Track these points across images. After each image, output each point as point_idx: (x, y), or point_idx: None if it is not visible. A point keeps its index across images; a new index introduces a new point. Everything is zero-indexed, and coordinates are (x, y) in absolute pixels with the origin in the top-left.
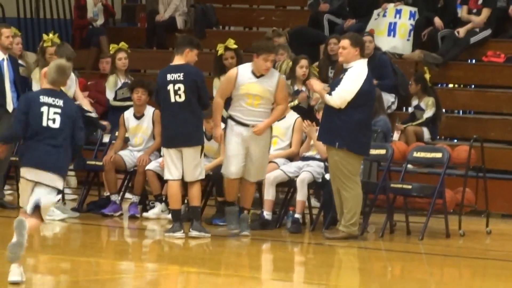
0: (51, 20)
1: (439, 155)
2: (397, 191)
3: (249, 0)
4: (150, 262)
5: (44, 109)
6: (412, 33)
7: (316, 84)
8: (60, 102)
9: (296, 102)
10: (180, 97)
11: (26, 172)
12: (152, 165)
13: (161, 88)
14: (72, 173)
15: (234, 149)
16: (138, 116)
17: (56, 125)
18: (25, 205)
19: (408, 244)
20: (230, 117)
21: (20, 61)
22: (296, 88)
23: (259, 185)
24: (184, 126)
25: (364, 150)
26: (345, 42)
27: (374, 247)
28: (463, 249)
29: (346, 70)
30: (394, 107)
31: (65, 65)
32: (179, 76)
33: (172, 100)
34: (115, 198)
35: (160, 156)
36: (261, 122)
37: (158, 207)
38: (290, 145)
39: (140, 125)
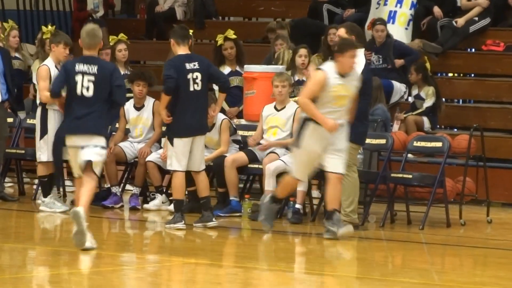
0: (51, 12)
1: (439, 144)
2: (398, 180)
3: None
4: (152, 253)
5: (78, 78)
6: (411, 23)
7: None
8: (95, 69)
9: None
10: (198, 85)
11: (69, 140)
12: (153, 157)
13: (180, 77)
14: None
15: (315, 152)
16: (138, 107)
17: (90, 93)
18: (78, 172)
19: (409, 234)
20: (311, 119)
21: (16, 54)
22: (296, 78)
23: (260, 176)
24: (201, 114)
25: (361, 139)
26: (341, 31)
27: (374, 237)
28: (464, 238)
29: None
30: (406, 96)
31: (94, 27)
32: (195, 65)
33: (191, 89)
34: (115, 190)
35: (161, 147)
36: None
37: (159, 198)
38: (291, 135)
39: (141, 116)
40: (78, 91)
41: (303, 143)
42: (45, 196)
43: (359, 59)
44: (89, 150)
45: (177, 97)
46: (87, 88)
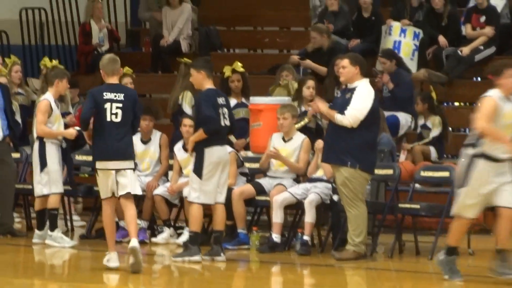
0: (56, 47)
1: (446, 174)
2: (405, 211)
3: (253, 22)
4: (160, 287)
5: (107, 105)
6: (416, 53)
7: (322, 105)
8: (121, 96)
9: (306, 120)
10: (227, 120)
11: (102, 165)
12: (160, 190)
13: (216, 111)
14: (80, 199)
15: (485, 189)
16: (145, 141)
17: (118, 119)
18: (107, 194)
19: (417, 264)
20: (483, 155)
21: (19, 89)
22: (303, 109)
23: (268, 208)
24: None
25: (372, 168)
26: (345, 62)
27: (383, 267)
28: (473, 268)
29: (350, 90)
30: (412, 126)
31: (113, 55)
32: (223, 100)
33: (222, 124)
34: (123, 223)
35: (168, 180)
36: None
37: (167, 231)
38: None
39: (147, 150)
40: (108, 118)
41: (472, 182)
42: (52, 229)
43: (369, 89)
44: (124, 177)
45: (213, 131)
46: (116, 115)
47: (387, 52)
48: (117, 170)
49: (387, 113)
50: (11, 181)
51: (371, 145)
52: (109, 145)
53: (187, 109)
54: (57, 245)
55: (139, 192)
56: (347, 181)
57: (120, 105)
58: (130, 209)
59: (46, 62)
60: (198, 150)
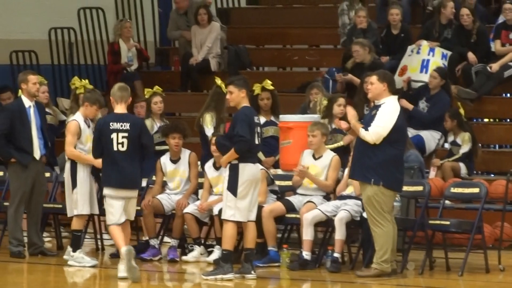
0: (85, 66)
1: (476, 190)
2: (436, 227)
3: (282, 40)
4: None
5: (113, 135)
6: None
7: (351, 115)
8: (127, 126)
9: (340, 143)
10: (259, 140)
11: (112, 191)
12: (190, 208)
13: (252, 130)
14: None
15: None
16: (175, 160)
17: (124, 148)
18: (118, 221)
19: (448, 280)
20: None
21: (47, 109)
22: (333, 126)
23: (298, 226)
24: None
25: (399, 186)
26: (373, 78)
27: (414, 284)
28: (503, 284)
29: (377, 106)
30: (441, 143)
31: (122, 84)
32: (258, 119)
33: (256, 142)
34: (154, 242)
35: (198, 199)
36: None
37: (197, 250)
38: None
39: (177, 169)
40: (115, 147)
41: None
42: (74, 250)
43: (395, 106)
44: (130, 204)
45: (249, 150)
46: (122, 144)
47: (442, 71)
48: (125, 198)
49: (412, 132)
50: (41, 202)
51: (395, 162)
52: (117, 174)
53: (207, 130)
54: (78, 265)
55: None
56: (372, 198)
57: (126, 134)
58: (126, 231)
59: (75, 82)
60: (233, 167)
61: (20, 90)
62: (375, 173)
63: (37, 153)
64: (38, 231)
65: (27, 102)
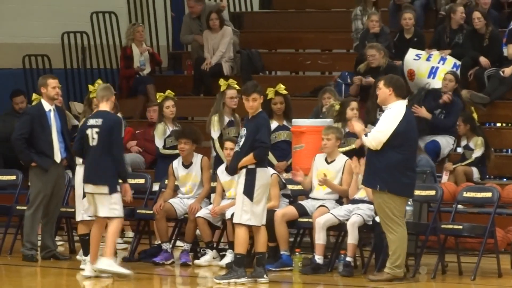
0: (98, 70)
1: (488, 194)
2: (448, 231)
3: (294, 44)
4: None
5: (89, 131)
6: None
7: (356, 125)
8: (100, 121)
9: (352, 146)
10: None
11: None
12: (203, 212)
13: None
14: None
15: None
16: (187, 165)
17: (95, 143)
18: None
19: (460, 285)
20: None
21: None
22: (346, 130)
23: (310, 230)
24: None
25: (406, 191)
26: (380, 83)
27: None
28: None
29: (384, 111)
30: (454, 147)
31: (107, 84)
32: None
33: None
34: (166, 246)
35: (210, 203)
36: None
37: (210, 254)
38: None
39: (190, 174)
40: (90, 143)
41: None
42: (85, 254)
43: (398, 111)
44: (104, 207)
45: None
46: (94, 139)
47: (456, 74)
48: (91, 194)
49: (427, 138)
50: (59, 205)
51: (400, 167)
52: (87, 168)
53: (213, 133)
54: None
55: (106, 214)
56: (382, 205)
57: (98, 129)
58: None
59: (91, 89)
60: (250, 172)
61: (33, 94)
62: (380, 179)
63: (57, 157)
64: (52, 235)
65: (47, 106)
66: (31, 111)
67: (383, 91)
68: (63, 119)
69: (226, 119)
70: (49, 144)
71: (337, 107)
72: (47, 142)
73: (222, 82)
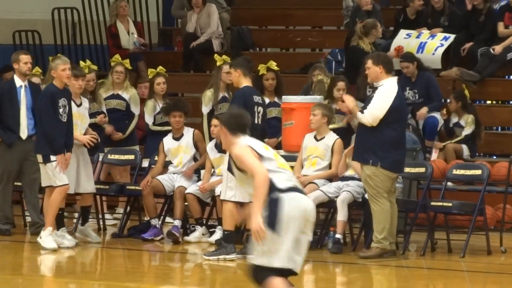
0: (88, 46)
1: (478, 172)
2: (438, 209)
3: (285, 21)
4: (192, 285)
5: None
6: (439, 49)
7: (349, 100)
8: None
9: (340, 124)
10: (260, 120)
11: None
12: (192, 189)
13: (249, 110)
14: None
15: None
16: (177, 138)
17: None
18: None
19: (449, 262)
20: None
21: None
22: (335, 106)
23: None
24: None
25: (397, 167)
26: (368, 62)
27: (415, 265)
28: (505, 266)
29: (376, 88)
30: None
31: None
32: (259, 99)
33: (256, 121)
34: (155, 222)
35: (199, 180)
36: None
37: (199, 230)
38: (329, 165)
39: (181, 146)
40: None
41: None
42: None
43: (391, 87)
44: (43, 175)
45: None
46: None
47: (408, 56)
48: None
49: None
50: (37, 181)
51: (394, 144)
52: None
53: (203, 107)
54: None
55: (43, 184)
56: (368, 178)
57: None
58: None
59: (83, 66)
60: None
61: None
62: (374, 154)
63: (24, 133)
64: (37, 210)
65: (18, 82)
66: (1, 86)
67: (373, 70)
68: (36, 95)
69: (220, 94)
70: (16, 120)
71: (326, 83)
72: (14, 118)
73: (217, 57)
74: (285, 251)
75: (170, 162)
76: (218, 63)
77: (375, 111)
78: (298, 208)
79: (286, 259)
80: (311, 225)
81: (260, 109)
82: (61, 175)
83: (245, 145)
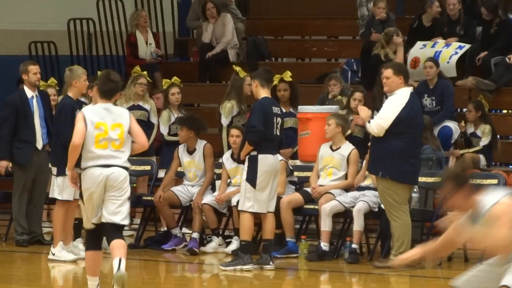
0: (104, 57)
1: (494, 181)
2: None
3: (301, 31)
4: None
5: None
6: (453, 57)
7: (363, 111)
8: None
9: (348, 132)
10: (278, 131)
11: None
12: (208, 199)
13: (268, 122)
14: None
15: None
16: (190, 151)
17: None
18: None
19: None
20: None
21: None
22: (351, 118)
23: (316, 217)
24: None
25: (409, 178)
26: (388, 72)
27: (432, 275)
28: None
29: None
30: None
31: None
32: (278, 110)
33: (274, 133)
34: (175, 232)
35: (216, 190)
36: None
37: (215, 241)
38: (345, 176)
39: (193, 160)
40: None
41: None
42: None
43: (401, 98)
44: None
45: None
46: None
47: (433, 59)
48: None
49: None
50: (44, 191)
51: (402, 155)
52: None
53: (223, 119)
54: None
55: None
56: (384, 192)
57: None
58: None
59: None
60: (252, 159)
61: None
62: (382, 166)
63: (39, 143)
64: (39, 221)
65: (29, 93)
66: (12, 101)
67: (392, 80)
68: (47, 105)
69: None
70: (31, 130)
71: (342, 99)
72: (30, 129)
73: (239, 69)
74: None
75: (183, 173)
76: (241, 75)
77: (380, 121)
78: None
79: None
80: None
81: (279, 120)
82: (70, 189)
83: None
